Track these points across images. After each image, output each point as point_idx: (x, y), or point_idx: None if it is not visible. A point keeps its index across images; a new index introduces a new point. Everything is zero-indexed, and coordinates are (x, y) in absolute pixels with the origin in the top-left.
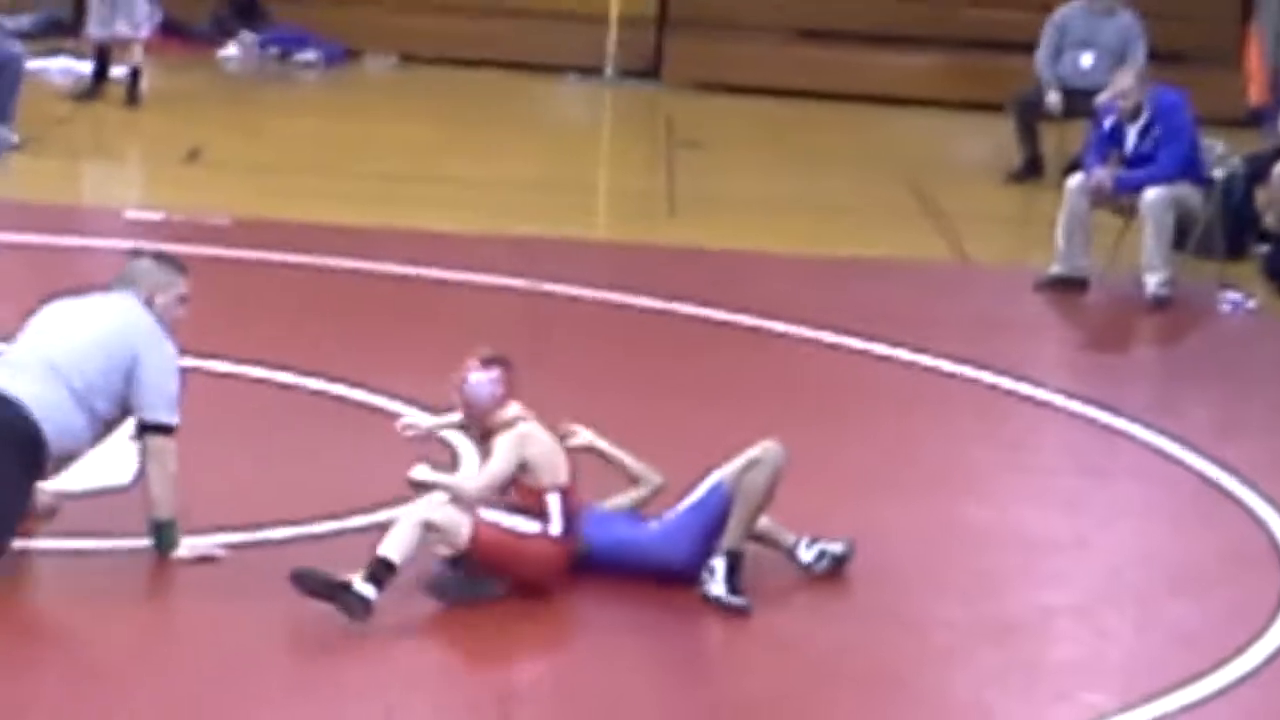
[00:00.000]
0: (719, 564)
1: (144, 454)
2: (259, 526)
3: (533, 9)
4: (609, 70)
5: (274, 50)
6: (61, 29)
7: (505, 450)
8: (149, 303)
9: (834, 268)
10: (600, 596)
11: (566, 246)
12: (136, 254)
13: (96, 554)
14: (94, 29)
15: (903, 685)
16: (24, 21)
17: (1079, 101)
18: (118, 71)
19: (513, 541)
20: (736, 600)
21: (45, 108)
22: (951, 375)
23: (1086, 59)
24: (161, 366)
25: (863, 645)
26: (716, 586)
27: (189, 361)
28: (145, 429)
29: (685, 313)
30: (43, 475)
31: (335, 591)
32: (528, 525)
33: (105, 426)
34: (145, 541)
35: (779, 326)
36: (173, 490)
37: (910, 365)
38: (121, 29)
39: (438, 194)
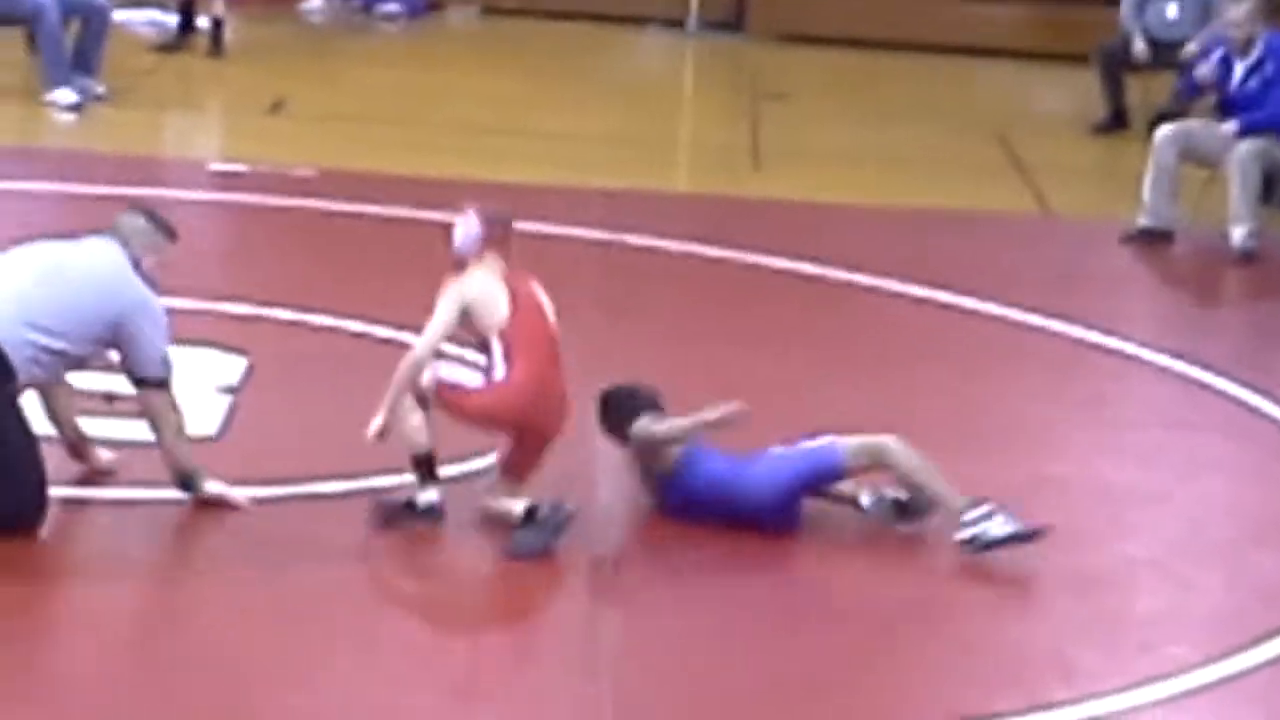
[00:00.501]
0: (976, 514)
1: (145, 410)
2: (351, 476)
3: None
4: (691, 22)
5: (356, 1)
6: None
7: (443, 301)
8: (136, 263)
9: (918, 220)
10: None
11: (649, 199)
12: (133, 209)
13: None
14: None
15: (984, 638)
16: None
17: (1164, 53)
18: (202, 23)
19: (459, 398)
20: (1026, 528)
21: (130, 59)
22: (1035, 328)
23: (1172, 9)
24: (155, 326)
25: (942, 599)
26: (997, 527)
27: (291, 314)
28: (141, 384)
29: (771, 265)
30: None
31: (405, 514)
32: (474, 378)
33: (75, 363)
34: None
35: (864, 279)
36: (184, 438)
37: (994, 318)
38: None
39: (520, 146)
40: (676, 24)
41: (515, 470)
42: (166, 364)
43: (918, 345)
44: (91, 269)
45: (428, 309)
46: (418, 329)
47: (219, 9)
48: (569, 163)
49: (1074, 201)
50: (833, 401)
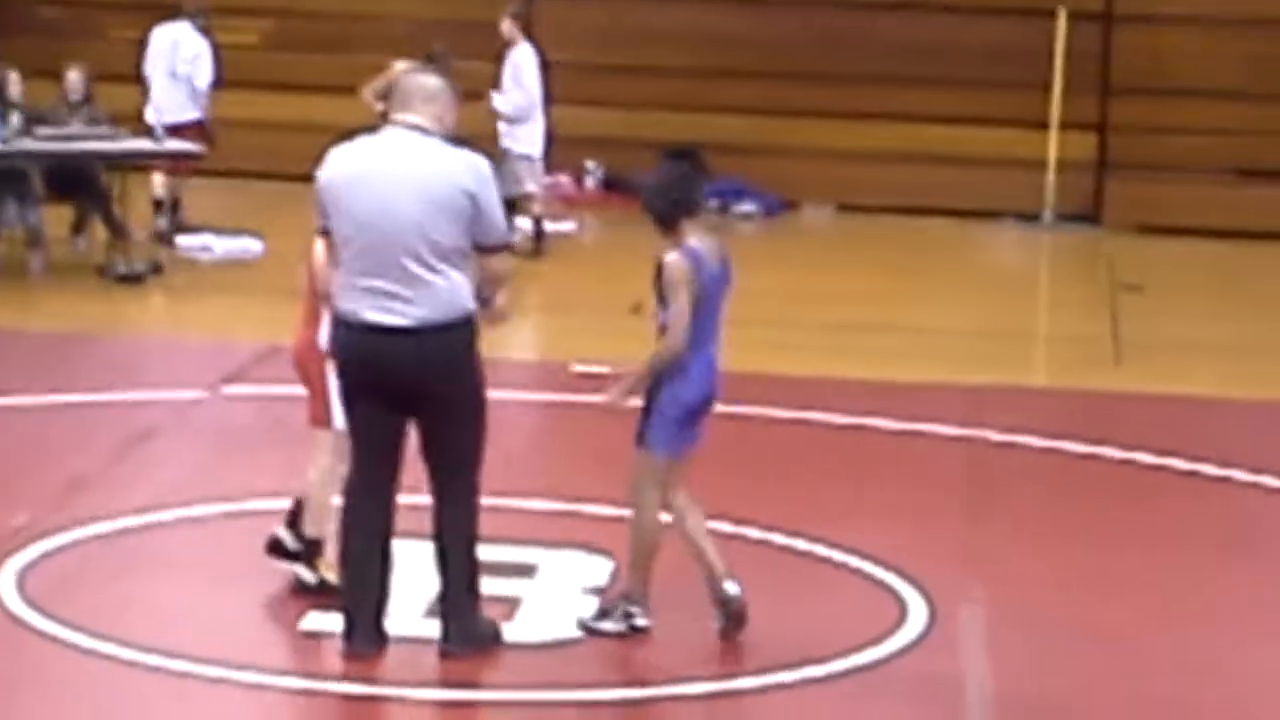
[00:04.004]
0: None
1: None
2: (728, 676)
3: (970, 156)
4: (1048, 214)
5: (713, 202)
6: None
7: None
8: None
9: None
10: None
11: (1009, 393)
12: None
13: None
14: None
15: None
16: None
17: None
18: (559, 227)
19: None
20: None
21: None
22: None
23: None
24: None
25: None
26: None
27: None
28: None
29: (1140, 461)
30: None
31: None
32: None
33: None
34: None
35: (1241, 475)
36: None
37: None
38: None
39: (878, 343)
40: (1032, 217)
41: None
42: None
43: None
44: None
45: (796, 510)
46: (787, 530)
47: (537, 209)
48: (928, 358)
49: None
50: (1217, 609)
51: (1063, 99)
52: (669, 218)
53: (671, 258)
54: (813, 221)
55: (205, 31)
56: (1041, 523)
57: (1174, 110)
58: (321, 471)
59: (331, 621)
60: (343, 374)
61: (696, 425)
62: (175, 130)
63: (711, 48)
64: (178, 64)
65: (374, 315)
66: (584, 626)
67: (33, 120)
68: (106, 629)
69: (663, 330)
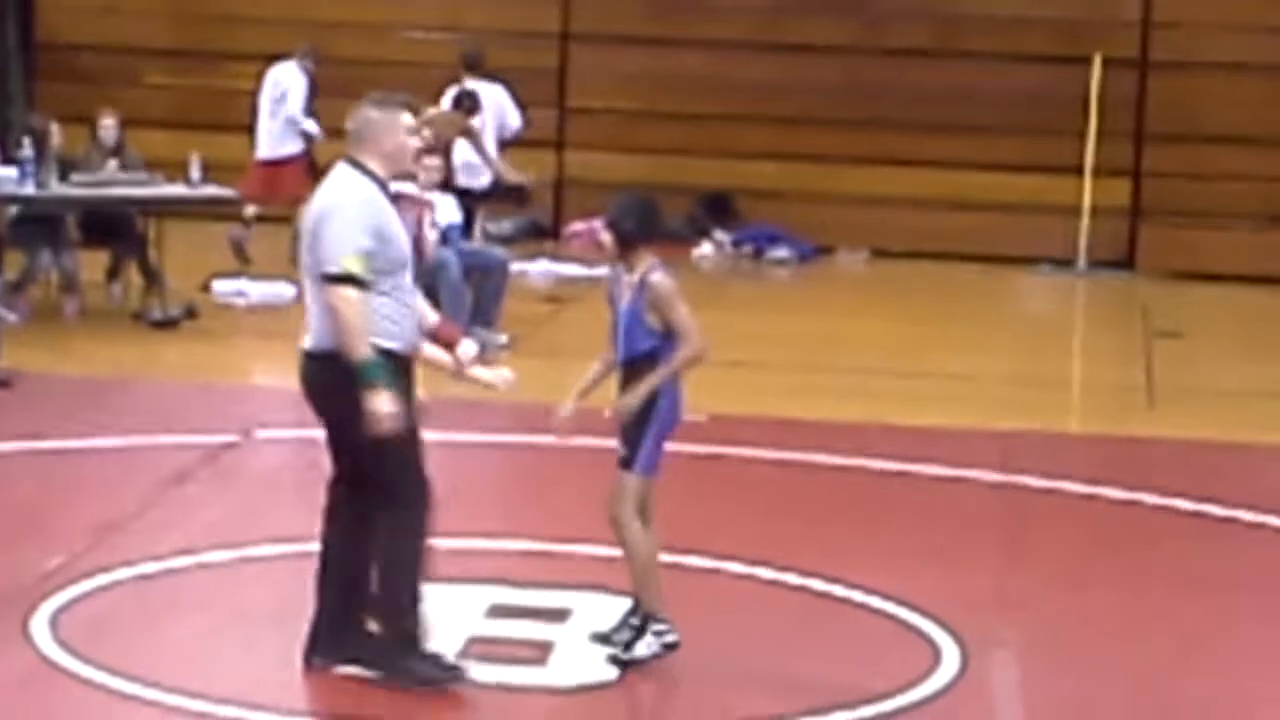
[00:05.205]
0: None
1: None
2: None
3: (1005, 202)
4: (1082, 261)
5: (747, 248)
6: (540, 232)
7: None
8: None
9: None
10: None
11: (1044, 440)
12: None
13: None
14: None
15: None
16: (506, 226)
17: None
18: (591, 272)
19: None
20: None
21: (527, 308)
22: None
23: None
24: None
25: None
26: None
27: (707, 561)
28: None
29: (1176, 507)
30: None
31: None
32: None
33: None
34: None
35: (1277, 521)
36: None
37: None
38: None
39: (914, 389)
40: (1066, 263)
41: None
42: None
43: None
44: None
45: (830, 555)
46: (823, 575)
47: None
48: (963, 404)
49: None
50: (1254, 656)
51: (1097, 145)
52: (631, 240)
53: (655, 278)
54: (847, 267)
55: (307, 70)
56: (1077, 568)
57: (1209, 157)
58: None
59: None
60: None
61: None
62: (276, 165)
63: (744, 93)
64: (273, 101)
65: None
66: (618, 661)
67: (67, 166)
68: (140, 672)
69: (646, 356)
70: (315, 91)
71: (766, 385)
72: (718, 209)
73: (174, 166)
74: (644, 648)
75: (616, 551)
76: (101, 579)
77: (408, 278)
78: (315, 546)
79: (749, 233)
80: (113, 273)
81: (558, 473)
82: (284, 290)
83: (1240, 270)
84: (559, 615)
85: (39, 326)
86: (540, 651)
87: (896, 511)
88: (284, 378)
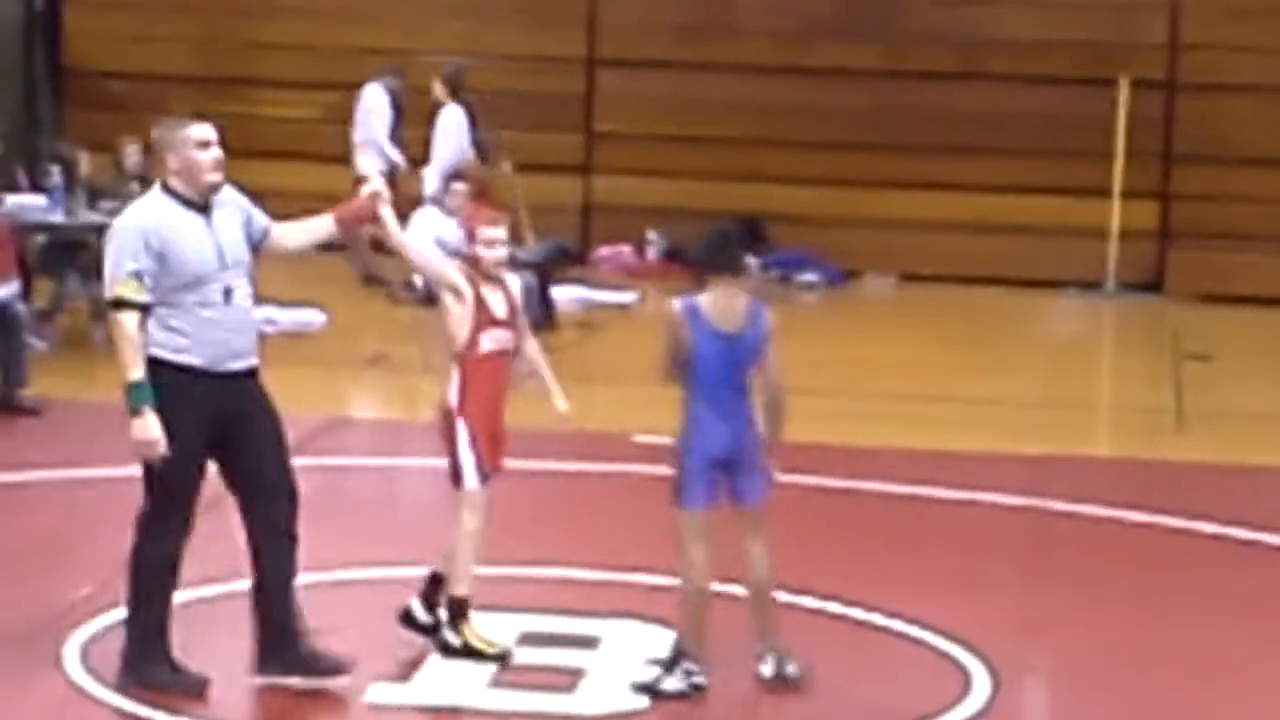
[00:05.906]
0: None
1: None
2: None
3: (1032, 225)
4: (1110, 283)
5: (775, 272)
6: (569, 257)
7: None
8: None
9: None
10: None
11: (1071, 464)
12: None
13: None
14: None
15: None
16: (534, 251)
17: None
18: (620, 298)
19: None
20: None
21: (554, 333)
22: None
23: None
24: None
25: None
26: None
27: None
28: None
29: (1200, 531)
30: None
31: None
32: None
33: None
34: None
35: None
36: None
37: None
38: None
39: (942, 413)
40: (1094, 286)
41: None
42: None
43: None
44: None
45: (857, 579)
46: (847, 600)
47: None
48: (990, 427)
49: None
50: (1272, 681)
51: (1125, 167)
52: (695, 268)
53: (668, 303)
54: (875, 291)
55: (390, 90)
56: (1104, 592)
57: (1236, 178)
58: (461, 531)
59: (397, 693)
60: None
61: (728, 477)
62: (360, 183)
63: (773, 118)
64: (360, 122)
65: None
66: (646, 688)
67: (95, 194)
68: (169, 701)
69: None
70: (400, 114)
71: (794, 410)
72: (748, 234)
73: None
74: (671, 683)
75: (642, 578)
76: None
77: (214, 291)
78: (344, 574)
79: (777, 257)
80: None
81: (592, 500)
82: (314, 317)
83: (1271, 293)
84: (588, 642)
85: (68, 354)
86: (570, 678)
87: (920, 534)
88: (312, 404)
